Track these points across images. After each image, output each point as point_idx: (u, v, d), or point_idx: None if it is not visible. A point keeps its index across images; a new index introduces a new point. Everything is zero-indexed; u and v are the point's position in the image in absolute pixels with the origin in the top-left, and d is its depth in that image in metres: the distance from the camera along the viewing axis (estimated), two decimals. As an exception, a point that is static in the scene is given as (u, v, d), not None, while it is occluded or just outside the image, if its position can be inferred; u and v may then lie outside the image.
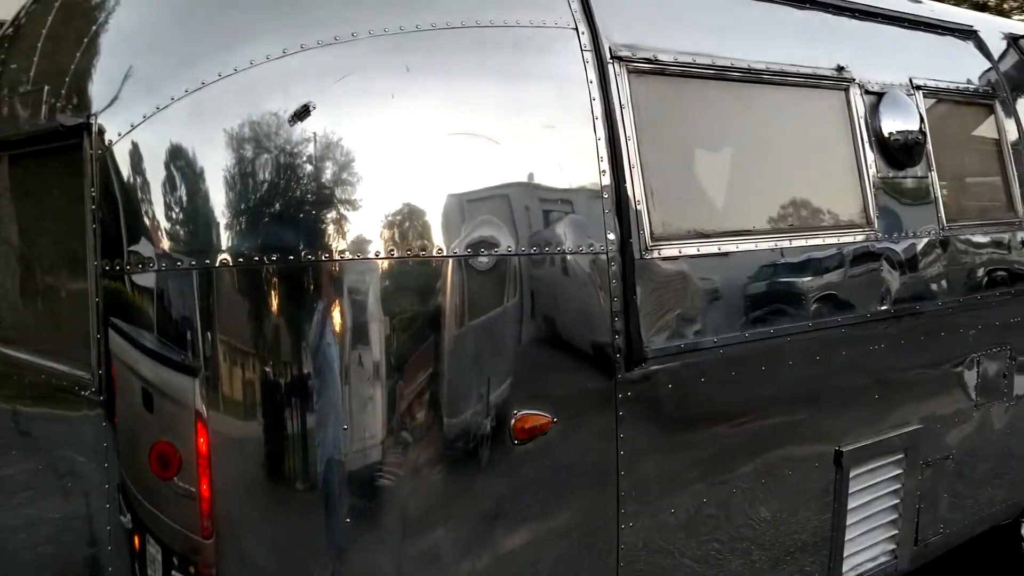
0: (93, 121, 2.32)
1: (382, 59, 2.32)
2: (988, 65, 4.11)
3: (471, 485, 2.42)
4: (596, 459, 2.60)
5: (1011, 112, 4.09)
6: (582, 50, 2.60)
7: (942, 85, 3.78)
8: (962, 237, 3.72)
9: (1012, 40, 4.39)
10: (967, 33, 4.12)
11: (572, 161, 2.54)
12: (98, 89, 2.38)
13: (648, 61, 2.74)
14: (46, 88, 2.57)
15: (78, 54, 2.48)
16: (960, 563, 4.53)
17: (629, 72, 2.69)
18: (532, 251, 2.45)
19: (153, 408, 2.32)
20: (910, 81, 3.62)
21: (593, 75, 2.59)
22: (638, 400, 2.64)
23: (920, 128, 3.50)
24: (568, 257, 2.52)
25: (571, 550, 2.59)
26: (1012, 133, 4.08)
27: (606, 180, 2.57)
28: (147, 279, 2.31)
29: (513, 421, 2.42)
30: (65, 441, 2.67)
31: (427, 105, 2.35)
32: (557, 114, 2.54)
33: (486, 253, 2.38)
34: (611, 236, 2.57)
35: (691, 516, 2.86)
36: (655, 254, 2.66)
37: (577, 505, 2.58)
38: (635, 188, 2.62)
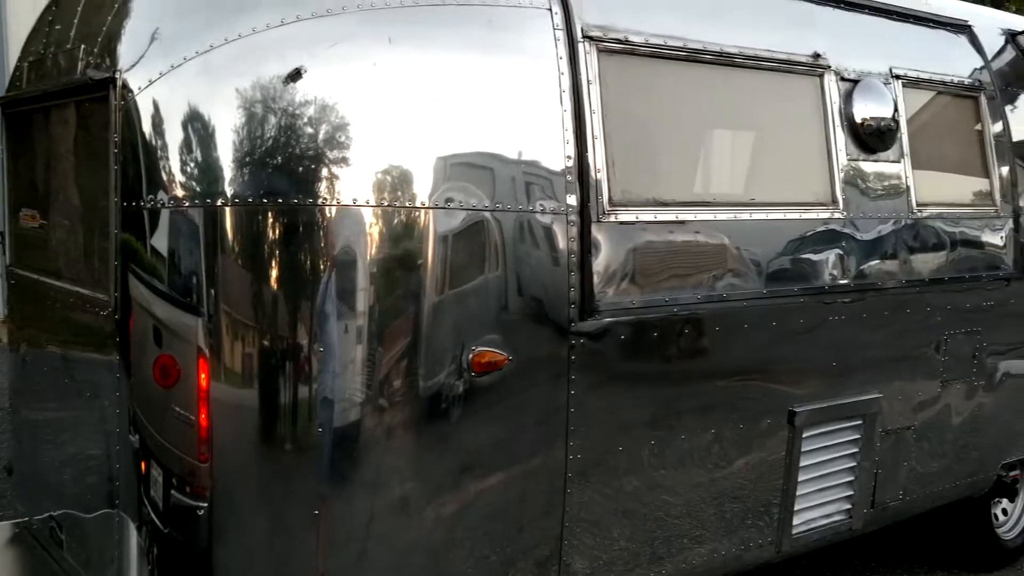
0: (118, 76, 2.66)
1: (367, 30, 2.64)
2: (978, 59, 4.27)
3: (436, 409, 2.73)
4: (548, 396, 2.90)
5: (997, 106, 4.25)
6: (554, 29, 2.88)
7: (924, 76, 3.97)
8: (932, 222, 3.92)
9: (1010, 36, 4.55)
10: (960, 27, 4.29)
11: (538, 130, 2.83)
12: (123, 48, 2.72)
13: (619, 42, 3.01)
14: (82, 47, 2.94)
15: (109, 18, 2.83)
16: (932, 538, 4.76)
17: (599, 51, 2.96)
18: (497, 208, 2.75)
19: (159, 327, 2.68)
20: (890, 70, 3.82)
21: (563, 52, 2.87)
22: (590, 347, 2.94)
23: (893, 116, 3.71)
24: (531, 216, 2.82)
25: (524, 474, 2.90)
26: (996, 126, 4.25)
27: (570, 150, 2.86)
28: (159, 216, 2.66)
29: (471, 356, 2.74)
30: (90, 362, 3.05)
31: (406, 73, 2.66)
32: (527, 87, 2.83)
33: (456, 206, 2.69)
34: (571, 200, 2.86)
35: (639, 461, 3.14)
36: (612, 218, 2.94)
37: (529, 434, 2.89)
38: (596, 158, 2.90)
